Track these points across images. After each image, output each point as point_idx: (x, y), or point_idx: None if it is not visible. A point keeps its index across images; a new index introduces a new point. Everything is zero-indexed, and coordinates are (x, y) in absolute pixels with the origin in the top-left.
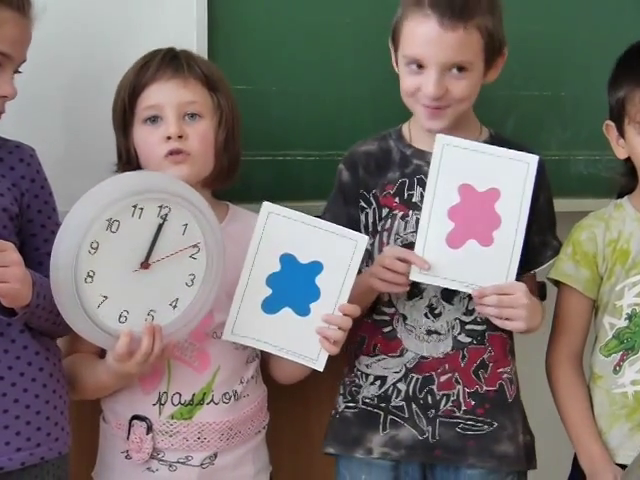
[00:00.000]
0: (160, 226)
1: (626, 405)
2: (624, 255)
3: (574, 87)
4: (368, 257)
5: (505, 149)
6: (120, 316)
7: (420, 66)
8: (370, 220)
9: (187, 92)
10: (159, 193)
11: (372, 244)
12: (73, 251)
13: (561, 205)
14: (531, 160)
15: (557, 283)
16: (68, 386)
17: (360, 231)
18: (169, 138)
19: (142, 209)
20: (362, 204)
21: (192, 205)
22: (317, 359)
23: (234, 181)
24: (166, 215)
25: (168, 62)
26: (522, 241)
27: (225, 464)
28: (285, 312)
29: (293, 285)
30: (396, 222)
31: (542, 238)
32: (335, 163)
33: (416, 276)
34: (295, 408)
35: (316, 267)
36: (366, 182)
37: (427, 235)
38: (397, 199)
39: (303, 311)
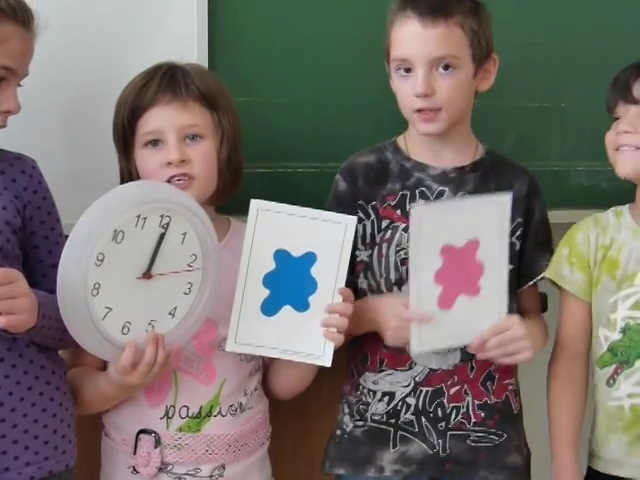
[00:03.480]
0: (162, 235)
1: (622, 418)
2: (612, 265)
3: (574, 98)
4: (366, 268)
5: (475, 197)
6: (123, 327)
7: (408, 69)
8: (368, 232)
9: (187, 115)
10: (161, 202)
11: (370, 255)
12: (83, 264)
13: (562, 216)
14: (505, 199)
15: (559, 286)
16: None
17: (356, 243)
18: (170, 163)
19: (145, 219)
20: (360, 215)
21: (189, 211)
22: (323, 354)
23: (237, 192)
24: (167, 224)
25: (167, 84)
26: (507, 275)
27: (233, 475)
28: (285, 311)
29: (290, 281)
30: (397, 234)
31: (543, 254)
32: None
33: (418, 348)
34: (295, 421)
35: (310, 258)
36: (365, 193)
37: (419, 305)
38: (399, 211)
39: (302, 306)
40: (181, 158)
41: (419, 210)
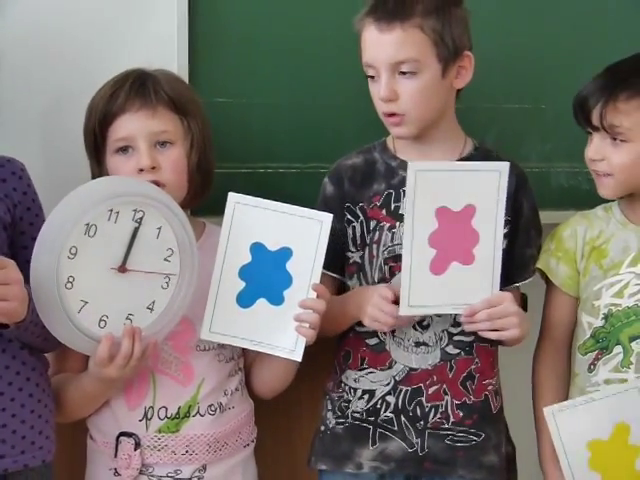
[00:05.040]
0: (135, 230)
1: None
2: (601, 254)
3: (554, 100)
4: (358, 270)
5: (475, 163)
6: (100, 321)
7: (375, 76)
8: (358, 233)
9: (157, 122)
10: (133, 196)
11: (362, 257)
12: (55, 257)
13: (542, 217)
14: (502, 168)
15: (547, 281)
16: (56, 409)
17: (347, 245)
18: (142, 170)
19: (118, 213)
20: (349, 217)
21: (164, 206)
22: (295, 349)
23: (208, 196)
24: (141, 219)
25: (136, 91)
26: (501, 250)
27: (214, 477)
28: (260, 303)
29: (265, 274)
30: (384, 234)
31: (532, 251)
32: (317, 175)
33: (405, 310)
34: (275, 422)
35: (286, 253)
36: (352, 195)
37: (411, 267)
38: (384, 211)
39: (277, 300)
40: (152, 164)
41: (415, 167)
